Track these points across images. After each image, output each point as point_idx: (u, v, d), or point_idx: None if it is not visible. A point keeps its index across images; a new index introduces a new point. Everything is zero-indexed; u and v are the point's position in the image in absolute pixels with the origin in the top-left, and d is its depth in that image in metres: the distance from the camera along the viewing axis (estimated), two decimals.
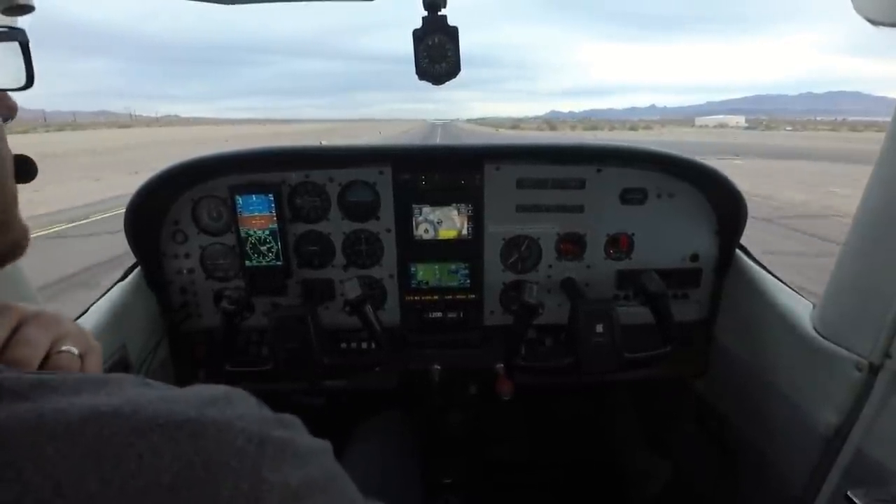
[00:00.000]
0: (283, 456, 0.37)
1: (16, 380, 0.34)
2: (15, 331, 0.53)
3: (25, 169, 0.53)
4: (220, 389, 0.40)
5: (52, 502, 0.30)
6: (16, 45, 0.50)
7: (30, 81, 0.51)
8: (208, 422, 0.36)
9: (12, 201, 0.44)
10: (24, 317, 0.54)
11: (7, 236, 0.44)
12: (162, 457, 0.32)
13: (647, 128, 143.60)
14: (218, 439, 0.35)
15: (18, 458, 0.30)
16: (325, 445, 0.44)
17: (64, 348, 0.54)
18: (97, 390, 0.36)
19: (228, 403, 0.39)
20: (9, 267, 0.97)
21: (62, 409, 0.32)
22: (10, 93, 0.50)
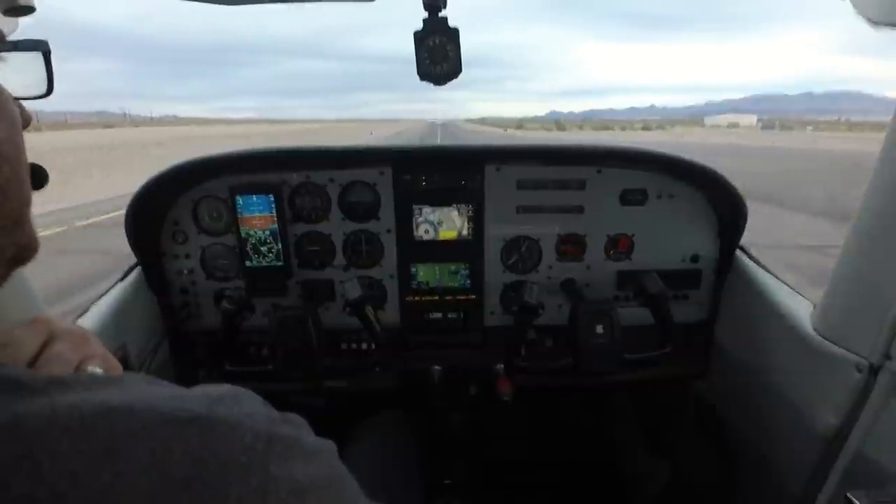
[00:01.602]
0: (291, 453, 0.38)
1: (32, 376, 0.35)
2: (45, 345, 0.55)
3: (37, 177, 0.54)
4: (226, 388, 0.41)
5: (67, 495, 0.30)
6: (38, 54, 0.53)
7: (50, 89, 0.53)
8: (218, 419, 0.36)
9: (25, 203, 0.46)
10: (54, 332, 0.56)
11: (17, 237, 0.46)
12: (173, 452, 0.33)
13: (661, 127, 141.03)
14: (227, 436, 0.36)
15: (35, 450, 0.31)
16: (330, 446, 0.45)
17: (90, 369, 0.56)
18: (109, 387, 0.37)
19: (237, 402, 0.40)
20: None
21: (75, 405, 0.33)
22: (31, 100, 0.53)
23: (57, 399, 0.33)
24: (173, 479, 0.33)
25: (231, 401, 0.39)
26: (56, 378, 0.36)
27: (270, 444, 0.37)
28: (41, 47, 0.52)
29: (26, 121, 0.51)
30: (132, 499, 0.31)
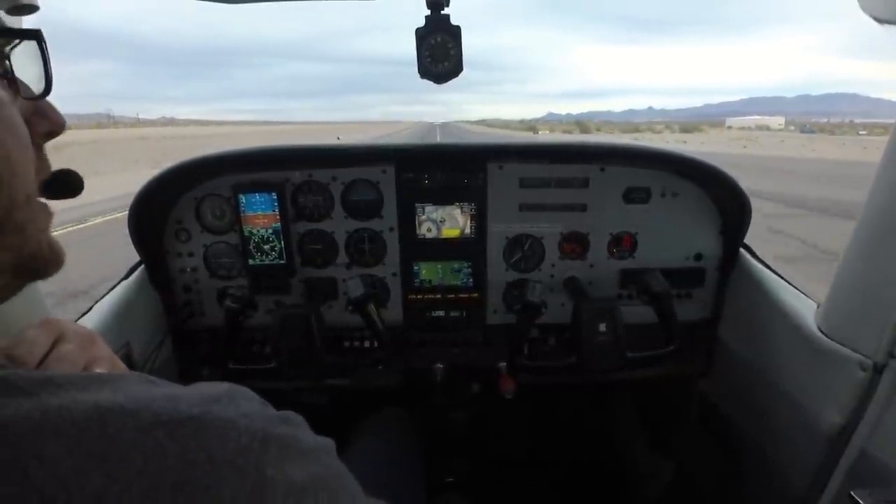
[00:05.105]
0: (287, 454, 0.38)
1: (23, 377, 0.34)
2: (55, 344, 0.56)
3: (69, 183, 0.52)
4: (224, 387, 0.40)
5: (56, 500, 0.30)
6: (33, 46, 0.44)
7: (48, 88, 0.45)
8: (212, 419, 0.36)
9: (15, 206, 0.41)
10: (63, 333, 0.57)
11: (11, 241, 0.42)
12: (166, 455, 0.33)
13: (699, 130, 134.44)
14: (222, 437, 0.35)
15: (23, 454, 0.30)
16: (328, 443, 0.44)
17: (98, 371, 0.56)
18: (102, 387, 0.36)
19: (232, 401, 0.39)
20: None
21: (66, 407, 0.32)
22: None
23: (47, 401, 0.33)
24: (166, 483, 0.32)
25: (227, 400, 0.38)
26: (47, 378, 0.35)
27: (266, 445, 0.36)
28: (35, 36, 0.43)
29: (58, 126, 0.47)
30: (124, 503, 0.31)
